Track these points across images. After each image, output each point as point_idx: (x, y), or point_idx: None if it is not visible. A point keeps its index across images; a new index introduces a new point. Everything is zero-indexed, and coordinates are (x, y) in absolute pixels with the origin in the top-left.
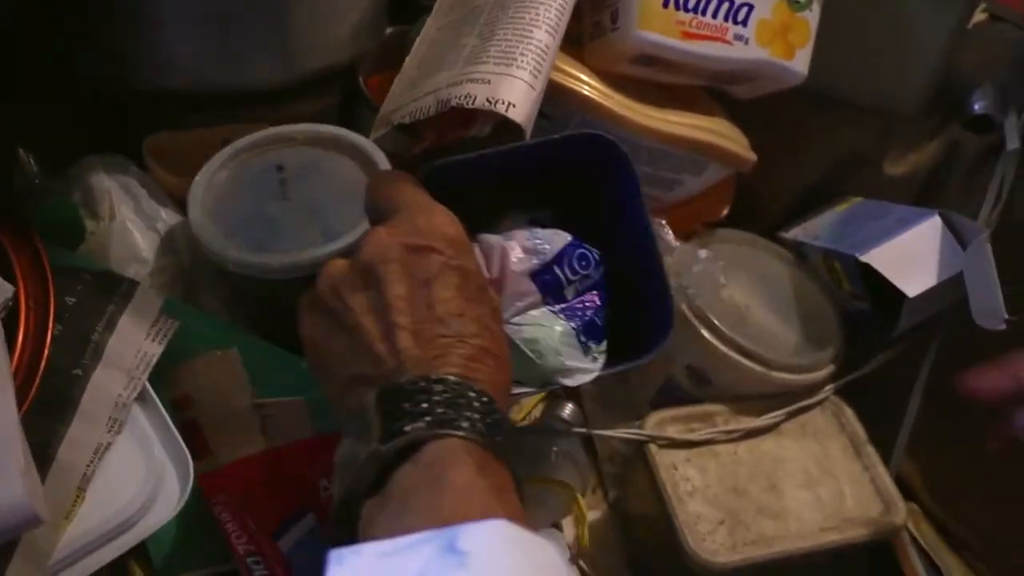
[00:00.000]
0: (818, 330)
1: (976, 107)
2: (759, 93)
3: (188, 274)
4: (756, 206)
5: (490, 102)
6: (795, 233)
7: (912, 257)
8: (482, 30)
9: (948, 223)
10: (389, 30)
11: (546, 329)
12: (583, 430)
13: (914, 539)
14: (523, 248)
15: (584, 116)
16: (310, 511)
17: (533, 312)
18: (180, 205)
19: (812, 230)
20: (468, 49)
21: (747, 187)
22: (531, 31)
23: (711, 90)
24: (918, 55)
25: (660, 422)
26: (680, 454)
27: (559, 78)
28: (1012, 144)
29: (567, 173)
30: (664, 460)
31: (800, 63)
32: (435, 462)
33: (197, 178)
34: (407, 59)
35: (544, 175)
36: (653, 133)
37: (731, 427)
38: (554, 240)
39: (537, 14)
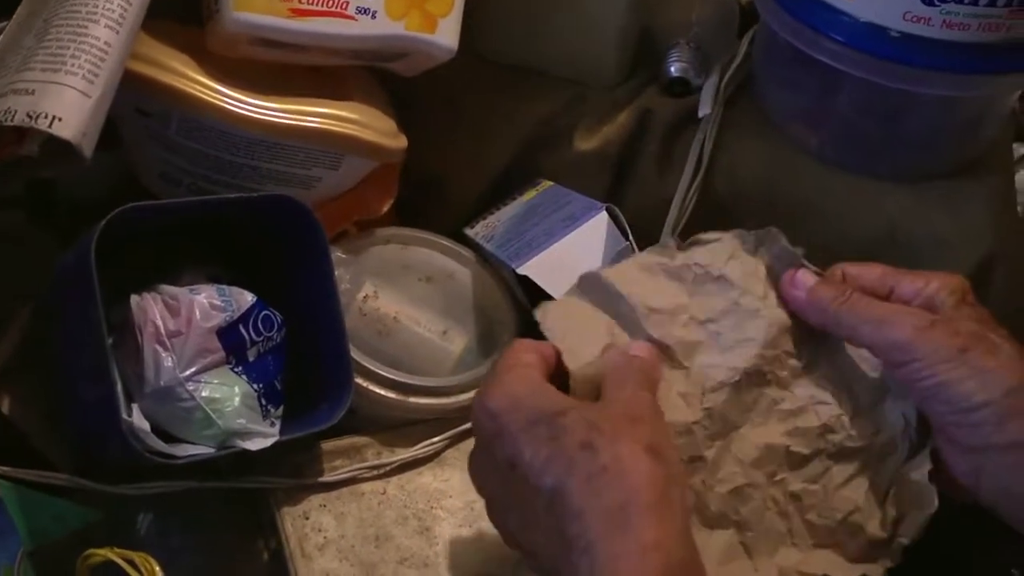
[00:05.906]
0: (492, 338)
1: (672, 69)
2: (420, 69)
3: None
4: (446, 197)
5: (31, 117)
6: (477, 230)
7: (573, 264)
8: (40, 27)
9: (615, 218)
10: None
11: (228, 389)
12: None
13: None
14: (211, 304)
15: (182, 111)
16: None
17: (216, 370)
18: None
19: (490, 227)
20: (24, 51)
21: (433, 176)
22: (86, 27)
23: (372, 69)
24: (602, 13)
25: (294, 463)
26: (315, 499)
27: (148, 70)
28: (704, 109)
29: (251, 229)
30: (293, 509)
31: (446, 35)
32: None
33: None
34: None
35: (227, 229)
36: (256, 125)
37: (382, 460)
38: (240, 299)
39: (95, 6)
